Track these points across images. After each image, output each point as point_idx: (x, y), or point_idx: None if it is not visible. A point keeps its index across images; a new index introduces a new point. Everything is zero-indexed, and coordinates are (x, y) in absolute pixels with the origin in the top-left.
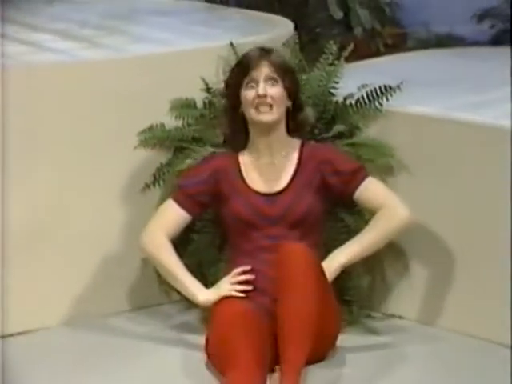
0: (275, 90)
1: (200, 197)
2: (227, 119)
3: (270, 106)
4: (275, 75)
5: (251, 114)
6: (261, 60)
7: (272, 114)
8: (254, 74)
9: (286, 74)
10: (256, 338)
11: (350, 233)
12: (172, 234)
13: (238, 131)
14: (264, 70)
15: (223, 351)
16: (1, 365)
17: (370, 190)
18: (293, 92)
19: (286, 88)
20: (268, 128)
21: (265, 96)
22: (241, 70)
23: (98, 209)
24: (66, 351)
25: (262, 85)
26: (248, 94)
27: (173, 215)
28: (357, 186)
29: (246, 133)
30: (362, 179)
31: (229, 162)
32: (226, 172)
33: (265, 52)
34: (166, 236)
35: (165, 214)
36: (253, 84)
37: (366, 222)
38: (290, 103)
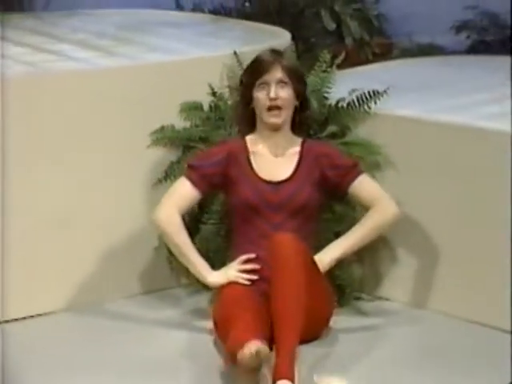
0: (285, 93)
1: (213, 177)
2: (239, 109)
3: (279, 108)
4: (286, 79)
5: (262, 114)
6: (273, 64)
7: (280, 117)
8: (266, 77)
9: (296, 77)
10: (256, 313)
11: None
12: (184, 211)
13: (248, 120)
14: (276, 74)
15: (226, 323)
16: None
17: (364, 185)
18: (301, 93)
19: (294, 90)
20: (276, 127)
21: (276, 98)
22: (254, 72)
23: (115, 201)
24: (77, 334)
25: (273, 88)
26: (260, 95)
27: (186, 193)
28: (352, 180)
29: (254, 121)
30: (357, 175)
31: (239, 149)
32: (237, 157)
33: (277, 55)
34: (178, 213)
35: (179, 192)
36: (264, 85)
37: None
38: (297, 103)
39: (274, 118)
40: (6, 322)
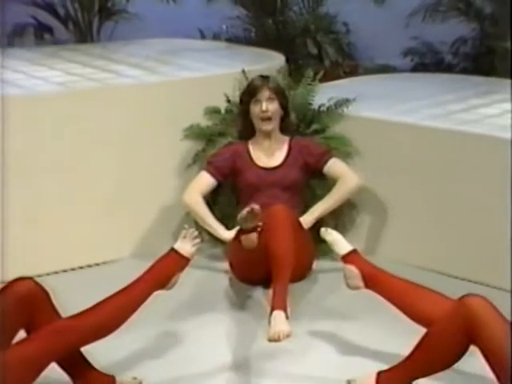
0: (273, 106)
1: (224, 169)
2: (240, 121)
3: (270, 118)
4: (273, 96)
5: (258, 123)
6: (263, 86)
7: (271, 125)
8: (258, 96)
9: (280, 94)
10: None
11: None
12: (204, 194)
13: (247, 129)
14: (265, 93)
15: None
16: None
17: (334, 165)
18: (284, 105)
19: (280, 103)
20: (268, 133)
21: (267, 111)
22: (249, 93)
23: (159, 179)
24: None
25: (264, 103)
26: (255, 109)
27: (205, 181)
28: (326, 163)
29: (252, 129)
30: (329, 158)
31: (242, 148)
32: (240, 154)
33: (264, 79)
34: (200, 195)
35: (200, 181)
36: (257, 102)
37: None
38: (282, 112)
39: (266, 126)
40: (89, 266)
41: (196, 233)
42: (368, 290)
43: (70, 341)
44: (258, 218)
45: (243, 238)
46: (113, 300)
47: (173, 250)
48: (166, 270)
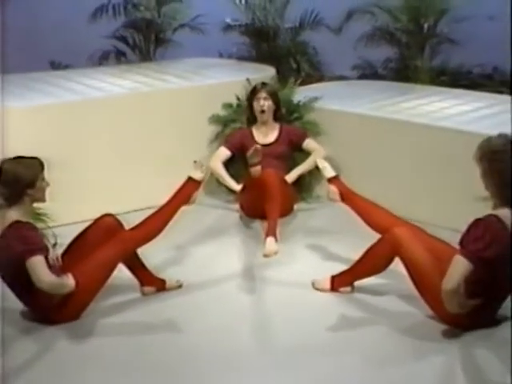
0: (268, 103)
1: (235, 145)
2: (248, 112)
3: (265, 111)
4: (268, 96)
5: (257, 115)
6: (261, 89)
7: (265, 116)
8: (258, 95)
9: (273, 95)
10: None
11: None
12: (222, 161)
13: (252, 118)
14: (263, 94)
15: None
16: None
17: (310, 143)
18: (276, 103)
19: (273, 101)
20: (264, 121)
21: (263, 106)
22: (253, 93)
23: (194, 150)
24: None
25: (262, 101)
26: (256, 105)
27: (223, 153)
28: (303, 141)
29: (255, 117)
30: (306, 138)
31: (247, 131)
32: (246, 135)
33: (264, 85)
34: (220, 162)
35: (220, 153)
36: (258, 100)
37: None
38: (274, 107)
39: (262, 117)
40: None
41: (203, 164)
42: (343, 203)
43: (130, 245)
44: (260, 155)
45: (252, 169)
46: (155, 215)
47: (189, 177)
48: (186, 191)
